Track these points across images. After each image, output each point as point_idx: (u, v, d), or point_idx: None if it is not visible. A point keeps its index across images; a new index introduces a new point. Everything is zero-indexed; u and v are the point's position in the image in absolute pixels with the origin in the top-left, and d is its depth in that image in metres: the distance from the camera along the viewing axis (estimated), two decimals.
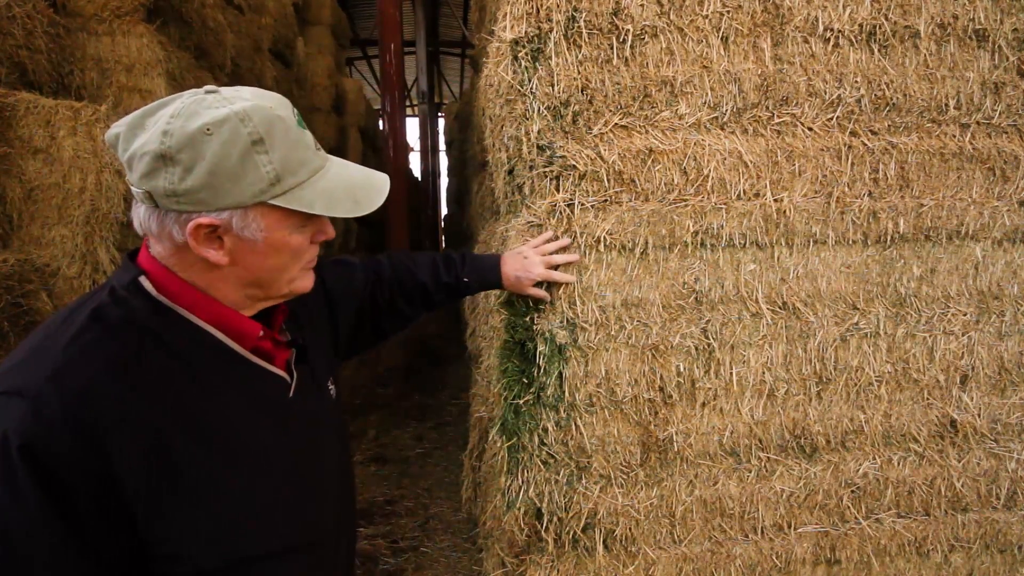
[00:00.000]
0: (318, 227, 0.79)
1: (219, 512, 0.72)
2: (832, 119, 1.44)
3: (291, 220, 0.74)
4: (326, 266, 1.07)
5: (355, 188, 0.77)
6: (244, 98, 0.71)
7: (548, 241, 1.34)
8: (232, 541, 0.73)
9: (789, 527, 1.55)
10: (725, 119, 1.41)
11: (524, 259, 1.30)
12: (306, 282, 0.81)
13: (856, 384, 1.52)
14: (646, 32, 1.35)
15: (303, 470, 0.83)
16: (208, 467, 0.71)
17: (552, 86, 1.34)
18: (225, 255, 0.72)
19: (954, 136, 1.49)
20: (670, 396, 1.45)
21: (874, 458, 1.55)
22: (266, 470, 0.77)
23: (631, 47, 1.35)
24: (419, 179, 10.83)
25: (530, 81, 1.34)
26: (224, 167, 0.67)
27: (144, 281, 0.73)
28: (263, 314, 0.82)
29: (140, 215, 0.72)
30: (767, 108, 1.43)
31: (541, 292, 1.33)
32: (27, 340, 0.71)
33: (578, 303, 1.37)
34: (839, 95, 1.43)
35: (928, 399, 1.58)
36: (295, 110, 0.76)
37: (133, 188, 0.70)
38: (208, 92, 0.71)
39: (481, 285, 1.30)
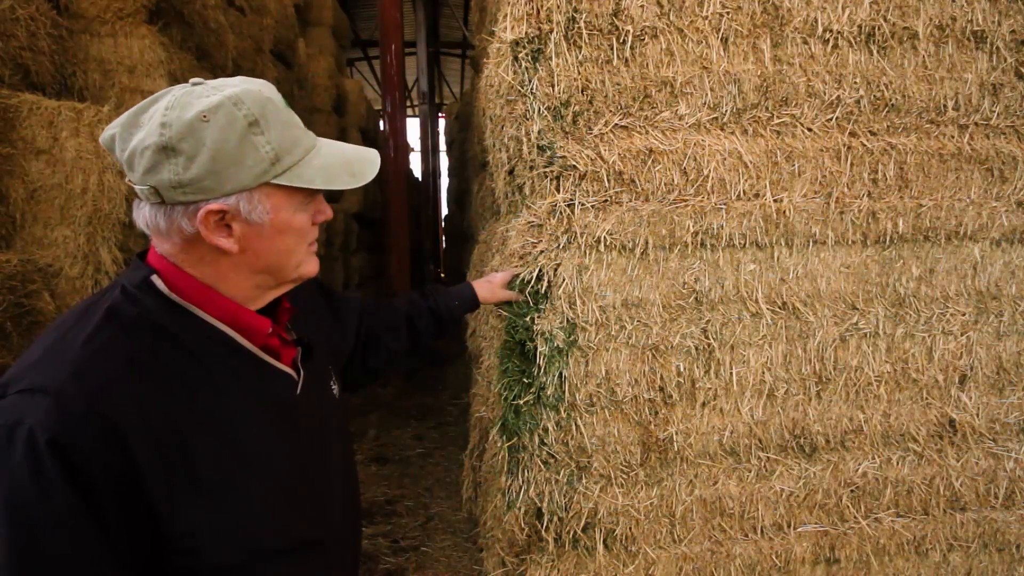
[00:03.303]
0: (317, 207, 0.81)
1: (234, 508, 0.73)
2: (831, 120, 1.45)
3: (294, 200, 0.77)
4: (326, 287, 1.12)
5: (350, 162, 0.80)
6: (233, 84, 0.73)
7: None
8: (247, 537, 0.74)
9: (789, 526, 1.56)
10: (725, 120, 1.42)
11: (488, 282, 1.42)
12: (312, 266, 0.84)
13: (855, 384, 1.53)
14: (646, 33, 1.36)
15: (311, 467, 0.85)
16: (222, 463, 0.72)
17: (552, 86, 1.34)
18: (235, 242, 0.74)
19: (952, 137, 1.49)
20: (670, 396, 1.46)
21: (873, 458, 1.55)
22: (277, 467, 0.79)
23: (631, 48, 1.36)
24: (420, 179, 10.83)
25: (530, 81, 1.34)
26: (225, 151, 0.69)
27: (156, 280, 0.74)
28: (269, 312, 0.83)
29: (145, 214, 0.73)
30: (767, 109, 1.43)
31: (511, 294, 1.42)
32: (41, 340, 0.72)
33: (578, 303, 1.38)
34: (838, 96, 1.44)
35: (927, 399, 1.58)
36: (278, 93, 0.78)
37: (137, 187, 0.71)
38: (195, 84, 0.73)
39: (459, 297, 1.37)
